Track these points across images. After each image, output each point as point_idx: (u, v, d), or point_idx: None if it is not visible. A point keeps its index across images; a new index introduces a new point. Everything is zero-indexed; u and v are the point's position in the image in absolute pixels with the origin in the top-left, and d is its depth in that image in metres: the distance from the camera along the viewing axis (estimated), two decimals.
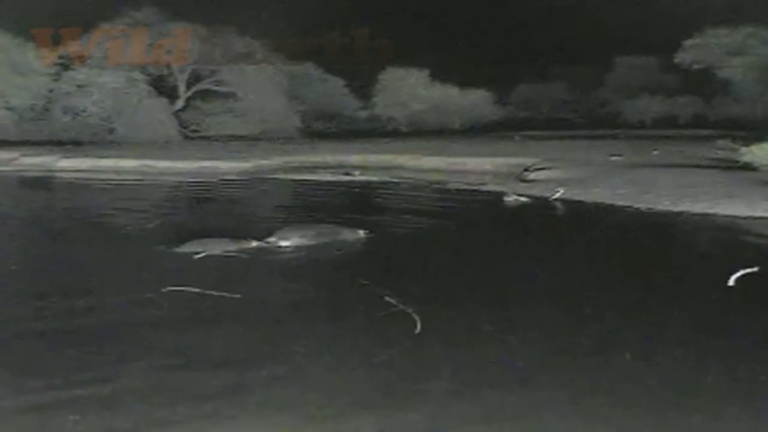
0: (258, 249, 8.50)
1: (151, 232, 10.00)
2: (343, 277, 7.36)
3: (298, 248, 8.64)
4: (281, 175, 18.54)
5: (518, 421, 4.09)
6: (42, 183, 17.85)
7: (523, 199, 12.85)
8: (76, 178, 18.26)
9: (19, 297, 6.55)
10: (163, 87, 30.36)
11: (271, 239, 8.79)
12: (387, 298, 6.14)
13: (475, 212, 12.42)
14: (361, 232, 9.33)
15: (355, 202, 14.39)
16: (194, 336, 5.46)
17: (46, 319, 5.78)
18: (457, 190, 15.15)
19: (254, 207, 14.29)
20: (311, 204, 13.65)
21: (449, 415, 4.14)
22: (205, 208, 13.67)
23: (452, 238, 9.88)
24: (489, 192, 14.35)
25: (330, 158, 21.46)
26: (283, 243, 8.79)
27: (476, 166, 19.04)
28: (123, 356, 4.95)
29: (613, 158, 18.42)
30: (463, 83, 35.17)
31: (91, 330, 5.56)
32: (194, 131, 30.12)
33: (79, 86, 28.42)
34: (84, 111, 28.10)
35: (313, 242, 8.85)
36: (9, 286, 7.10)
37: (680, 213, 11.13)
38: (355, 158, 21.18)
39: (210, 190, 16.23)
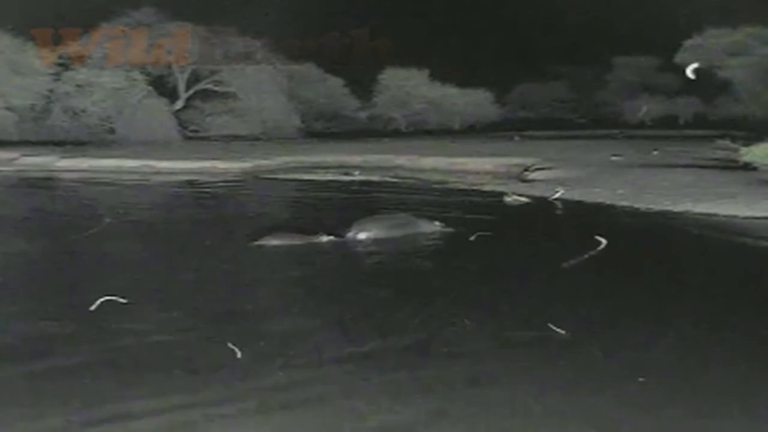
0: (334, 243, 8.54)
1: (154, 231, 9.99)
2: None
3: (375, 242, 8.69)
4: (281, 175, 18.53)
5: (520, 421, 4.10)
6: (42, 183, 17.82)
7: (523, 199, 12.84)
8: (76, 178, 18.23)
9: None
10: (163, 87, 30.29)
11: (349, 232, 8.81)
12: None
13: (474, 212, 12.40)
14: (437, 224, 9.32)
15: (353, 202, 14.37)
16: None
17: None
18: (457, 190, 15.13)
19: (253, 206, 14.28)
20: (317, 203, 13.67)
21: (452, 415, 4.15)
22: (206, 208, 13.66)
23: (451, 238, 9.86)
24: (489, 192, 14.35)
25: (330, 158, 21.43)
26: (361, 236, 8.79)
27: (476, 166, 19.00)
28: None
29: (613, 158, 18.41)
30: (463, 83, 35.10)
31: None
32: (194, 131, 30.05)
33: (79, 86, 28.34)
34: (84, 111, 28.05)
35: (390, 235, 8.85)
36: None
37: (680, 213, 11.13)
38: (355, 158, 21.16)
39: (210, 189, 16.21)
